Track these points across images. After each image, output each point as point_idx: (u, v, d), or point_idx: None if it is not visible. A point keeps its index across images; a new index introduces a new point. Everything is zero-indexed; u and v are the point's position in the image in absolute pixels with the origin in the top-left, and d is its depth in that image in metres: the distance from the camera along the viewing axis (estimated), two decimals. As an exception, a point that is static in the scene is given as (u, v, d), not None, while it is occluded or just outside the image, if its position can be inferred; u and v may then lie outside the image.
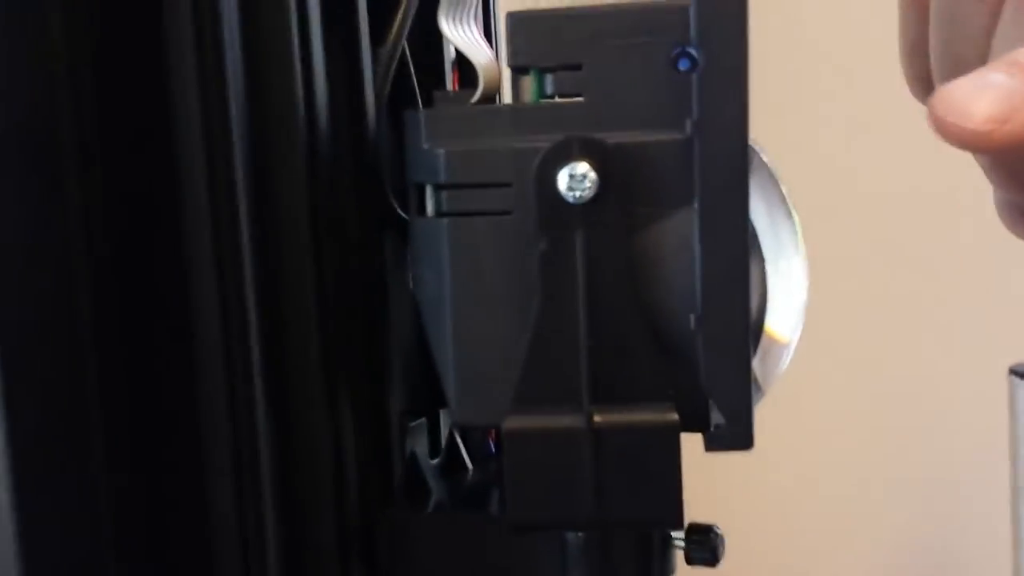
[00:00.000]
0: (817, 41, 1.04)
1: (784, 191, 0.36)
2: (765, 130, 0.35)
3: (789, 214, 0.38)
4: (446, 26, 0.35)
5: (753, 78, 0.31)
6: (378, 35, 0.37)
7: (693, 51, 0.32)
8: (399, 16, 0.37)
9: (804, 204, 0.38)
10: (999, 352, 0.98)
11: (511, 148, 0.33)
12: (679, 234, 0.32)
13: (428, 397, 0.38)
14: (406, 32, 0.37)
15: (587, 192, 0.32)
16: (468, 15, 0.37)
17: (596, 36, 0.32)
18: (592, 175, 0.32)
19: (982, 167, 0.37)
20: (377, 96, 0.37)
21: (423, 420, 0.40)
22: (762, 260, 0.35)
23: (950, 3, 0.35)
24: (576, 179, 0.32)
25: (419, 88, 0.39)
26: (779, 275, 0.37)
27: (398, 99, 0.38)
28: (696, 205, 0.32)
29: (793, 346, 0.38)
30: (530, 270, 0.33)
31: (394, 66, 0.37)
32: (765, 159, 0.36)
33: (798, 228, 0.37)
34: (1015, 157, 0.41)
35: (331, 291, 0.35)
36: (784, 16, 1.01)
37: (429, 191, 0.34)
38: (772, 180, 0.36)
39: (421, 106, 0.38)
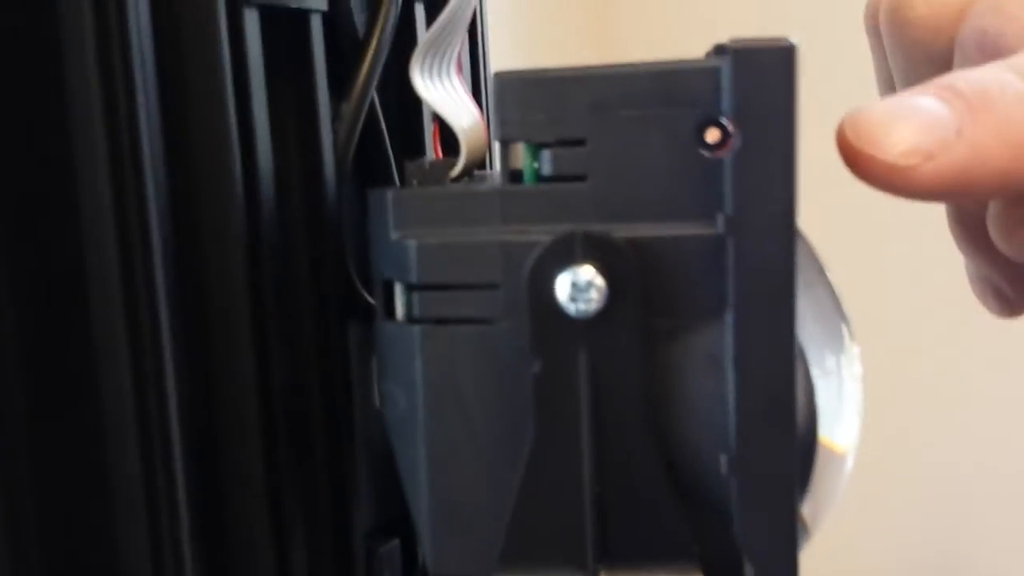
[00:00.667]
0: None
1: (827, 273, 0.30)
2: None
3: (836, 302, 0.31)
4: (420, 80, 0.29)
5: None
6: (340, 85, 0.31)
7: (727, 124, 0.25)
8: (366, 61, 0.31)
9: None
10: None
11: (499, 242, 0.26)
12: (708, 354, 0.26)
13: (402, 512, 0.32)
14: (375, 81, 0.31)
15: (593, 304, 0.25)
16: (449, 64, 0.31)
17: (604, 104, 0.26)
18: (599, 281, 0.25)
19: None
20: (339, 161, 0.30)
21: (396, 541, 0.33)
22: (806, 363, 0.29)
23: None
24: (579, 287, 0.25)
25: (393, 152, 0.33)
26: (828, 376, 0.30)
27: (366, 164, 0.32)
28: (730, 318, 0.25)
29: (853, 451, 0.32)
30: (522, 395, 0.26)
31: (359, 124, 0.31)
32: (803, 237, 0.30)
33: (845, 314, 0.31)
34: (967, 213, 0.34)
35: (279, 396, 0.29)
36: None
37: (399, 290, 0.28)
38: (812, 259, 0.30)
39: (395, 173, 0.32)
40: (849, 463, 0.32)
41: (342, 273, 0.30)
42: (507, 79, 0.26)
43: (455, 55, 0.30)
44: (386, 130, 0.32)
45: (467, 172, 0.29)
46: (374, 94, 0.31)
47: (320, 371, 0.30)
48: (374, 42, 0.31)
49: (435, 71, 0.30)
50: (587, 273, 0.25)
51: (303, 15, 0.29)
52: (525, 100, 0.26)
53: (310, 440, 0.30)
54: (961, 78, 0.26)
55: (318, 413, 0.31)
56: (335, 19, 0.31)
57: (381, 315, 0.28)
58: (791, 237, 0.25)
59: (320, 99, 0.30)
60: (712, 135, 0.26)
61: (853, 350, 0.31)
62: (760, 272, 0.25)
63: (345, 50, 0.31)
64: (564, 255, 0.25)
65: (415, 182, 0.29)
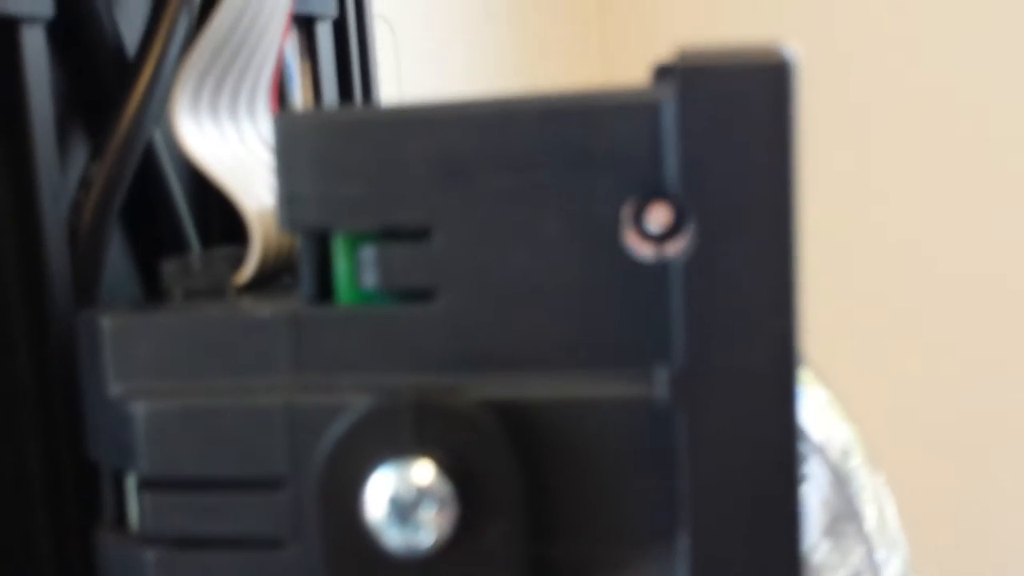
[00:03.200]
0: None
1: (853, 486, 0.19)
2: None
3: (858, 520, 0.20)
4: (190, 127, 0.18)
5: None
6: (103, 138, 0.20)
7: (675, 203, 0.14)
8: (138, 88, 0.20)
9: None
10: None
11: (282, 407, 0.15)
12: (644, 610, 0.15)
13: None
14: (141, 138, 0.20)
15: (432, 533, 0.14)
16: (251, 98, 0.19)
17: (462, 167, 0.15)
18: (443, 489, 0.14)
19: None
20: (89, 234, 0.19)
21: None
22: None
23: None
24: (406, 504, 0.14)
25: (200, 216, 0.22)
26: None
27: (146, 241, 0.21)
28: (683, 547, 0.14)
29: None
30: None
31: (117, 194, 0.19)
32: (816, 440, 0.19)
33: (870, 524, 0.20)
34: None
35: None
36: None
37: (129, 486, 0.16)
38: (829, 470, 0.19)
39: (196, 253, 0.21)
40: None
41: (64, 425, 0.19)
42: (295, 125, 0.15)
43: (263, 78, 0.19)
44: (177, 180, 0.21)
45: (266, 276, 0.18)
46: (154, 133, 0.20)
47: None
48: (151, 61, 0.20)
49: (224, 107, 0.19)
50: (421, 474, 0.14)
51: (9, 26, 0.18)
52: (329, 159, 0.15)
53: None
54: None
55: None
56: (76, 29, 0.20)
57: (108, 523, 0.17)
58: (791, 403, 0.14)
59: (38, 144, 0.19)
60: (652, 220, 0.15)
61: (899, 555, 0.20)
62: (737, 465, 0.14)
63: (103, 72, 0.20)
64: (382, 436, 0.14)
65: (175, 293, 0.18)
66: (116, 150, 0.20)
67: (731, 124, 0.14)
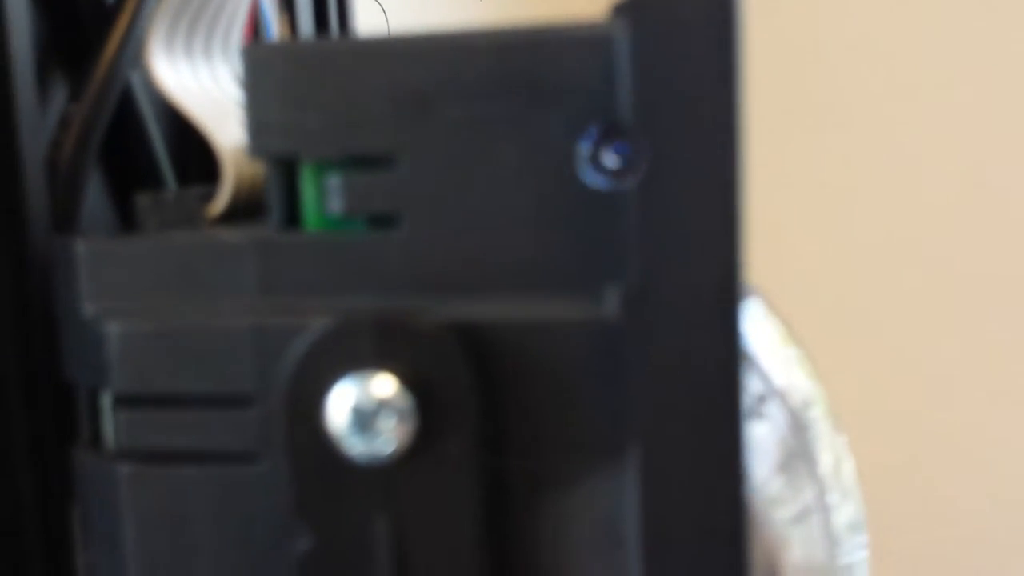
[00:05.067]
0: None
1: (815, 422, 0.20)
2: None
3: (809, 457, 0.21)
4: (163, 64, 0.18)
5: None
6: (79, 82, 0.21)
7: (628, 132, 0.15)
8: (119, 25, 0.20)
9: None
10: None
11: (249, 327, 0.16)
12: (596, 521, 0.15)
13: None
14: (119, 80, 0.20)
15: (392, 441, 0.15)
16: (225, 34, 0.20)
17: (424, 97, 0.15)
18: (403, 401, 0.15)
19: None
20: (70, 170, 0.20)
21: None
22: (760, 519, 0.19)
23: None
24: (366, 412, 0.15)
25: (175, 152, 0.22)
26: (804, 520, 0.20)
27: (124, 176, 0.21)
28: (633, 462, 0.15)
29: None
30: (285, 583, 0.16)
31: (95, 132, 0.20)
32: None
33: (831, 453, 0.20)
34: None
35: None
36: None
37: (104, 404, 0.17)
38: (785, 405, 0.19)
39: (171, 184, 0.21)
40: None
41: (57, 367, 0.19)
42: (263, 55, 0.16)
43: (237, 20, 0.20)
44: (155, 121, 0.22)
45: (239, 210, 0.19)
46: (132, 74, 0.21)
47: (33, 522, 0.19)
48: (129, 3, 0.20)
49: (198, 48, 0.19)
50: (382, 387, 0.15)
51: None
52: (295, 88, 0.16)
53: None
54: None
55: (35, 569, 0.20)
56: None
57: (83, 440, 0.18)
58: (734, 324, 0.15)
59: (19, 84, 0.19)
60: (604, 151, 0.15)
61: (846, 479, 0.20)
62: (683, 384, 0.15)
63: (82, 15, 0.21)
64: (343, 352, 0.15)
65: (149, 225, 0.18)
66: (95, 90, 0.20)
67: (680, 55, 0.14)
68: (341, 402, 0.15)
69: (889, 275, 0.84)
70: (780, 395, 0.24)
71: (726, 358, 0.15)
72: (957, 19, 0.81)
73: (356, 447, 0.15)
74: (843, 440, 0.25)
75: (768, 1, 0.83)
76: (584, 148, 0.15)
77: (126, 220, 0.21)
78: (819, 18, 0.84)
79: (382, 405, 0.14)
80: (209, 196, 0.19)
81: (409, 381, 0.15)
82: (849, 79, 0.84)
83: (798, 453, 0.23)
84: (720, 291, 0.14)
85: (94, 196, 0.21)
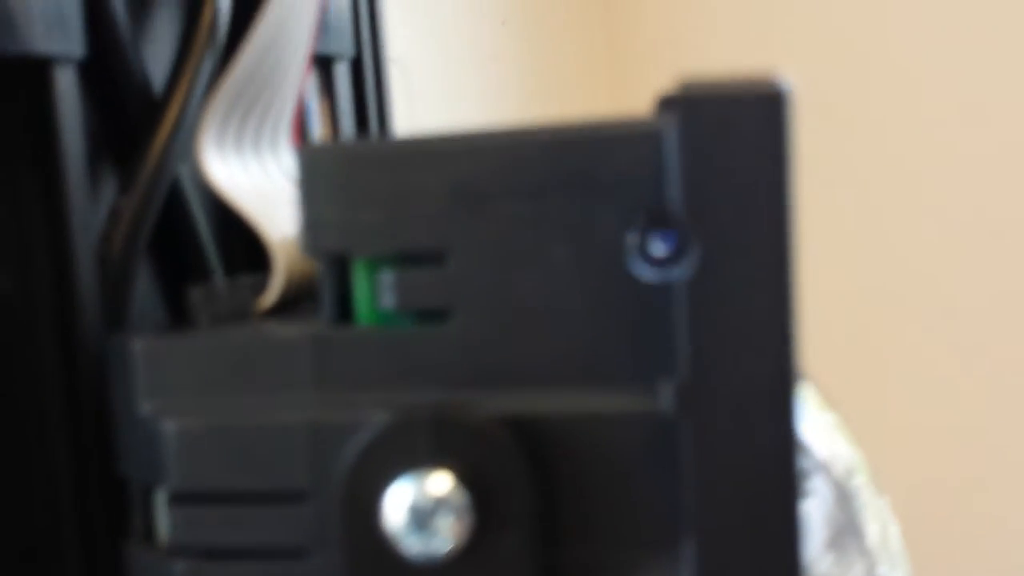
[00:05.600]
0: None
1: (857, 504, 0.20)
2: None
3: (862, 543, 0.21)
4: (215, 160, 0.19)
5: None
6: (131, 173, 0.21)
7: (677, 224, 0.15)
8: (165, 124, 0.21)
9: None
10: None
11: (306, 424, 0.16)
12: (652, 615, 0.15)
13: None
14: (168, 173, 0.21)
15: (448, 539, 0.15)
16: (274, 130, 0.20)
17: (475, 193, 0.16)
18: (460, 499, 0.15)
19: None
20: (118, 265, 0.20)
21: None
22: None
23: None
24: (423, 511, 0.15)
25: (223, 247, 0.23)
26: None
27: (172, 273, 0.22)
28: (689, 553, 0.15)
29: None
30: None
31: (145, 225, 0.20)
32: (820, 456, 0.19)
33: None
34: None
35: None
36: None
37: (160, 499, 0.17)
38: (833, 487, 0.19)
39: (219, 280, 0.22)
40: None
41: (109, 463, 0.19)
42: (318, 155, 0.16)
43: (285, 113, 0.20)
44: (203, 216, 0.22)
45: (287, 303, 0.19)
46: (180, 167, 0.21)
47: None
48: (178, 99, 0.21)
49: (248, 142, 0.20)
50: (439, 485, 0.15)
51: (42, 67, 0.19)
52: (349, 187, 0.16)
53: None
54: None
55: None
56: (106, 69, 0.21)
57: (136, 537, 0.18)
58: (789, 416, 0.15)
59: (70, 179, 0.19)
60: (651, 240, 0.15)
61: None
62: (739, 476, 0.15)
63: (131, 110, 0.21)
64: (400, 450, 0.15)
65: (201, 318, 0.18)
66: (144, 184, 0.21)
67: (729, 151, 0.14)
68: (398, 500, 0.15)
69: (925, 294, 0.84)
70: (824, 468, 0.24)
71: (781, 450, 0.15)
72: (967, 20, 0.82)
73: (413, 546, 0.15)
74: (885, 502, 0.25)
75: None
76: (633, 238, 0.15)
77: (175, 313, 0.21)
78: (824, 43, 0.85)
79: (439, 503, 0.14)
80: (259, 286, 0.19)
81: (465, 477, 0.15)
82: (854, 112, 0.84)
83: (846, 528, 0.23)
84: (774, 383, 0.15)
85: (143, 289, 0.21)
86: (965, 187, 0.83)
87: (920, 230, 0.85)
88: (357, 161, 0.16)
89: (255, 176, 0.20)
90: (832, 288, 0.81)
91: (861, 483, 0.24)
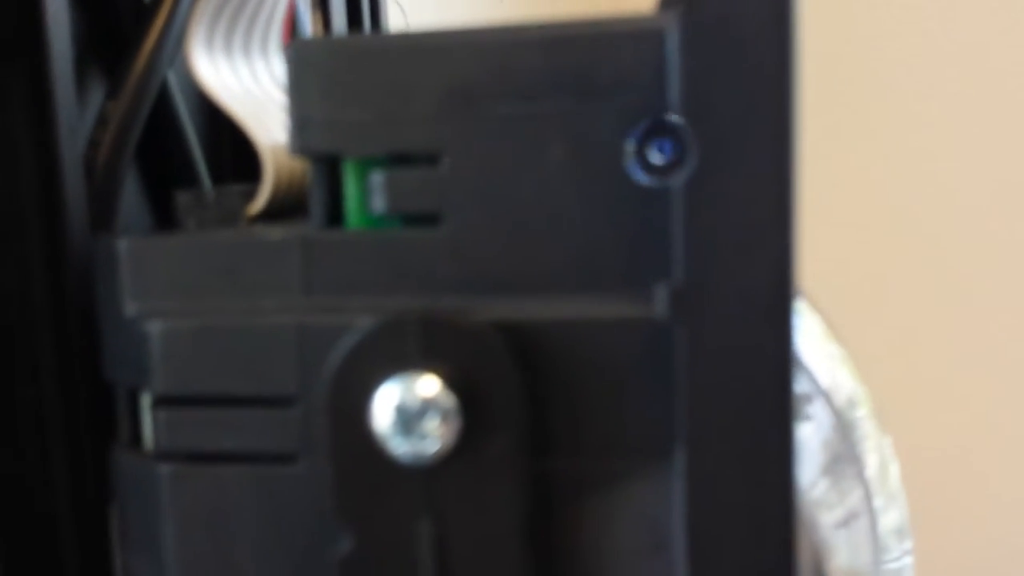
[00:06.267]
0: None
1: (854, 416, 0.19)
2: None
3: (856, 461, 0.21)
4: (205, 62, 0.18)
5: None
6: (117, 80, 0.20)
7: (677, 129, 0.15)
8: (154, 27, 0.20)
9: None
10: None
11: (294, 327, 0.16)
12: (642, 518, 0.15)
13: None
14: (166, 54, 0.20)
15: (437, 442, 0.14)
16: (265, 34, 0.20)
17: (470, 93, 0.15)
18: (448, 402, 0.14)
19: None
20: (106, 170, 0.20)
21: None
22: (812, 526, 0.18)
23: None
24: (411, 413, 0.14)
25: (211, 153, 0.22)
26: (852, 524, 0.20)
27: (160, 176, 0.21)
28: (680, 461, 0.15)
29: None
30: (328, 586, 0.15)
31: (133, 130, 0.20)
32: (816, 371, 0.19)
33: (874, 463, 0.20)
34: None
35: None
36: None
37: (145, 401, 0.17)
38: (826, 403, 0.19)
39: (206, 184, 0.21)
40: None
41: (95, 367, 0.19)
42: (307, 51, 0.16)
43: (275, 19, 0.20)
44: (190, 123, 0.21)
45: (277, 209, 0.19)
46: (168, 73, 0.21)
47: (70, 522, 0.19)
48: (166, 2, 0.20)
49: (237, 47, 0.19)
50: (427, 387, 0.14)
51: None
52: (339, 85, 0.16)
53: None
54: None
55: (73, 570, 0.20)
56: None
57: (122, 441, 0.17)
58: (786, 324, 0.14)
59: (58, 83, 0.19)
60: (650, 148, 0.15)
61: (891, 491, 0.20)
62: (733, 385, 0.14)
63: (120, 14, 0.21)
64: (388, 353, 0.15)
65: (189, 223, 0.18)
66: (132, 89, 0.20)
67: (732, 46, 0.14)
68: (385, 402, 0.14)
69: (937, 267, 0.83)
70: (825, 395, 0.24)
71: (778, 359, 0.14)
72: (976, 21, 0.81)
73: (400, 447, 0.14)
74: (888, 441, 0.25)
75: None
76: (631, 145, 0.15)
77: (161, 218, 0.21)
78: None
79: (427, 405, 0.14)
80: (249, 194, 0.18)
81: (454, 381, 0.14)
82: (881, 76, 0.83)
83: (844, 455, 0.23)
84: (772, 290, 0.14)
85: (130, 194, 0.21)
86: (968, 183, 0.82)
87: (929, 217, 0.84)
88: (348, 57, 0.15)
89: (245, 81, 0.19)
90: (836, 274, 0.81)
91: (863, 416, 0.24)
